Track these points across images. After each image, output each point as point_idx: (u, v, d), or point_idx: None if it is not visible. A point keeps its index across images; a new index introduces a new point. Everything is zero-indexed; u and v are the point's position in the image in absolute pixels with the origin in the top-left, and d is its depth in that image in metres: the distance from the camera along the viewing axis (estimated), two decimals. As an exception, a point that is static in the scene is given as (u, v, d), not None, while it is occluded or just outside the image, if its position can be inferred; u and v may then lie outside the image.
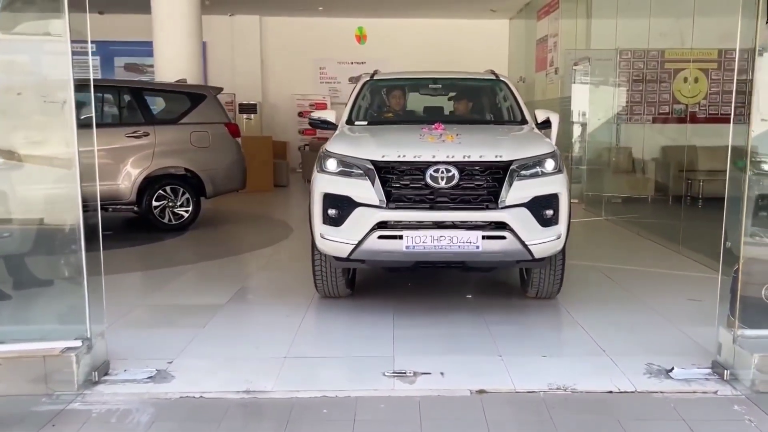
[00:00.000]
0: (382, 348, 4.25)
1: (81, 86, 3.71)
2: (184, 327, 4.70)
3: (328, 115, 5.69)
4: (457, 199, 4.41)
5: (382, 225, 4.37)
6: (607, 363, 4.01)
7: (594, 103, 11.52)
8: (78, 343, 3.64)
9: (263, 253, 7.35)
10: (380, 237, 4.36)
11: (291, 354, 4.17)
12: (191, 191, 8.81)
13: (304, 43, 17.21)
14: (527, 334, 4.59)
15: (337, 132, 5.36)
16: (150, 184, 8.44)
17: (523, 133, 5.32)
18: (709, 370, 3.86)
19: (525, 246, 4.37)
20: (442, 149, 4.50)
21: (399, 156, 4.46)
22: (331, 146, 4.80)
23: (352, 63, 17.94)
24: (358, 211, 4.41)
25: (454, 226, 4.35)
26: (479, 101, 6.38)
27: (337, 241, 4.48)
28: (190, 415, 3.42)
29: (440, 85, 6.39)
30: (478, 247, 4.31)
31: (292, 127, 17.61)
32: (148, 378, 3.79)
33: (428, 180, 4.39)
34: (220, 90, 9.65)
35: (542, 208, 4.47)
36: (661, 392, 3.63)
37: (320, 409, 3.46)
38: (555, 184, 4.55)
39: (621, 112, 11.62)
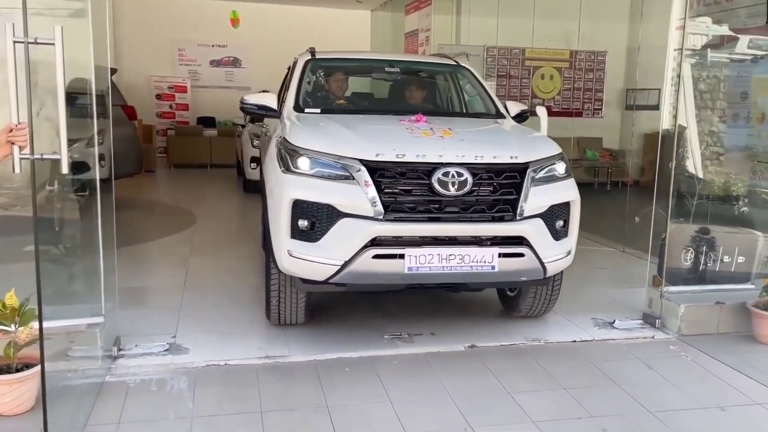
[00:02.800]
0: (370, 318, 4.65)
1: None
2: (162, 308, 4.79)
3: (268, 100, 4.71)
4: (470, 209, 3.72)
5: (376, 241, 3.62)
6: (562, 320, 4.73)
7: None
8: (100, 320, 3.71)
9: (182, 237, 7.37)
10: (376, 256, 3.59)
11: (287, 326, 4.45)
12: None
13: (161, 23, 16.67)
14: (485, 300, 5.15)
15: (290, 122, 4.38)
16: (43, 167, 8.05)
17: (518, 129, 4.60)
18: (641, 321, 4.71)
19: (542, 264, 3.83)
20: (449, 148, 3.78)
21: (398, 155, 3.67)
22: (297, 139, 3.91)
23: (213, 46, 17.68)
24: (343, 223, 3.61)
25: (465, 242, 3.71)
26: (443, 89, 5.68)
27: (314, 260, 3.65)
28: (226, 379, 3.65)
29: (398, 69, 5.52)
30: (493, 267, 3.69)
31: (149, 110, 17.02)
32: (165, 351, 3.94)
33: (436, 185, 3.63)
34: (114, 71, 9.32)
35: (556, 218, 3.93)
36: (613, 339, 4.42)
37: (342, 368, 3.84)
38: (570, 191, 4.02)
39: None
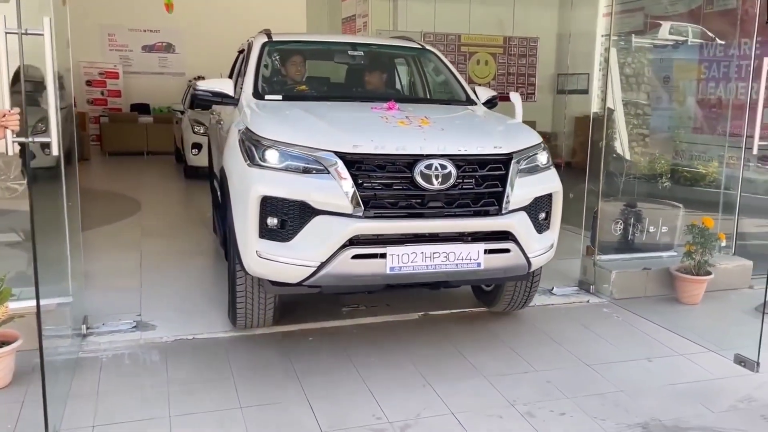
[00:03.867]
0: (327, 294, 4.83)
1: None
2: (122, 290, 4.89)
3: (225, 87, 4.41)
4: (454, 203, 3.52)
5: (355, 240, 3.39)
6: (505, 288, 5.08)
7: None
8: (69, 299, 3.82)
9: (131, 223, 7.42)
10: (355, 257, 3.36)
11: (247, 301, 4.64)
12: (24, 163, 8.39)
13: (89, 7, 16.26)
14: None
15: (251, 110, 4.09)
16: (-21, 155, 7.92)
17: (495, 117, 4.39)
18: (577, 288, 5.13)
19: (527, 259, 3.68)
20: (430, 139, 3.55)
21: (376, 147, 3.43)
22: (263, 130, 3.62)
23: (144, 31, 17.39)
24: (318, 221, 3.37)
25: (449, 238, 3.52)
26: (410, 74, 5.41)
27: (286, 262, 3.40)
28: (196, 352, 3.83)
29: (361, 53, 5.16)
30: (479, 264, 3.51)
31: (80, 96, 16.64)
32: (133, 328, 4.09)
33: (418, 179, 3.42)
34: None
35: (539, 211, 3.80)
36: (552, 304, 4.82)
37: (305, 338, 4.08)
38: (553, 182, 3.88)
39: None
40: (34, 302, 3.54)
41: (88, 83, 16.64)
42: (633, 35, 11.04)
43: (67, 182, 3.97)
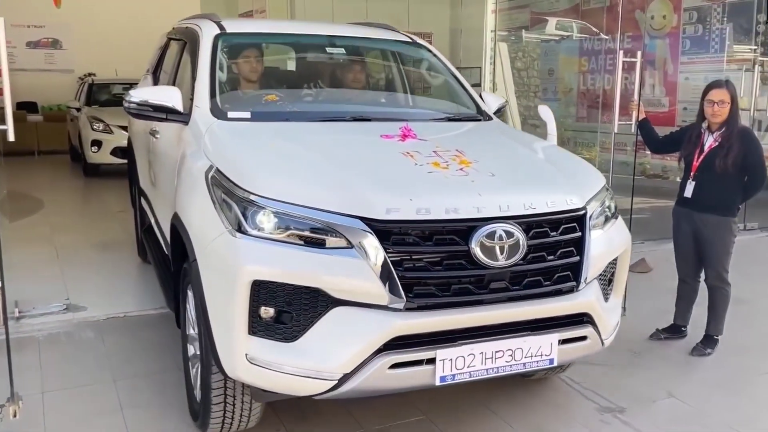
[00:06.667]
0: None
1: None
2: (44, 278, 4.98)
3: (169, 98, 3.26)
4: (522, 282, 2.59)
5: (395, 342, 2.39)
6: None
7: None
8: (-1, 284, 3.91)
9: (37, 220, 7.37)
10: (394, 366, 2.39)
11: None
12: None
13: (-36, 1, 15.54)
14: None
15: (214, 137, 2.99)
16: None
17: (536, 144, 3.49)
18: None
19: (602, 342, 2.80)
20: (485, 193, 2.58)
21: (418, 211, 2.43)
22: (247, 179, 2.55)
23: (28, 26, 16.76)
24: (338, 314, 2.39)
25: (515, 330, 2.59)
26: (404, 77, 4.23)
27: (292, 372, 2.41)
28: (129, 327, 4.05)
29: (342, 49, 4.01)
30: (552, 360, 2.63)
31: (-42, 95, 15.82)
32: (64, 310, 4.25)
33: (478, 253, 2.45)
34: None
35: (606, 273, 2.93)
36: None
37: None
38: (624, 236, 3.04)
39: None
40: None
41: (-32, 82, 15.83)
42: (523, 30, 11.87)
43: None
